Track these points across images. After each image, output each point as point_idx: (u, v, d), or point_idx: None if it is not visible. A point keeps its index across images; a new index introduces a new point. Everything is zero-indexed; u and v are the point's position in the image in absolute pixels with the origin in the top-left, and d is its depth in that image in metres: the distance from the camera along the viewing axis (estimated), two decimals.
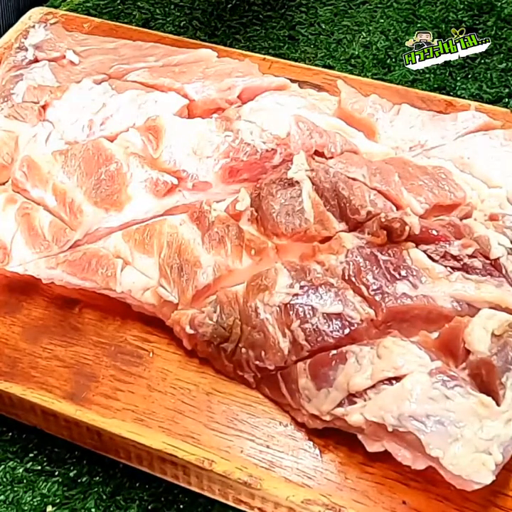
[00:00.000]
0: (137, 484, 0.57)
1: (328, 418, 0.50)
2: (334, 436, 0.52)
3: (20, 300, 0.60)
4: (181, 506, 0.56)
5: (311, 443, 0.52)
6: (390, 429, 0.47)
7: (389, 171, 0.60)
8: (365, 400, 0.48)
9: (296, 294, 0.53)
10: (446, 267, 0.54)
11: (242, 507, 0.53)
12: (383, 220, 0.55)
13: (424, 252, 0.55)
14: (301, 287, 0.53)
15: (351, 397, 0.49)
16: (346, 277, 0.54)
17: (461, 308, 0.52)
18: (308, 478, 0.51)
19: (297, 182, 0.59)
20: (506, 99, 0.83)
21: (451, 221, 0.57)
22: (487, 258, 0.55)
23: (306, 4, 0.94)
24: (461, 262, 0.54)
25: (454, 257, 0.54)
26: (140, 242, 0.58)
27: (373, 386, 0.49)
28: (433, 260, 0.55)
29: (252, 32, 0.92)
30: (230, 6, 0.94)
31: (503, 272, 0.54)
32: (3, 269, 0.59)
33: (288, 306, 0.52)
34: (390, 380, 0.48)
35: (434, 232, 0.55)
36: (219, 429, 0.53)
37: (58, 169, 0.61)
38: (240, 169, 0.61)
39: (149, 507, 0.56)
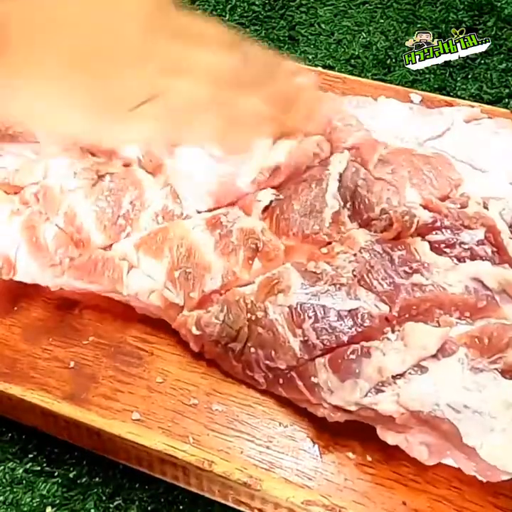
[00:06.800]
0: (137, 485, 0.57)
1: (353, 408, 0.49)
2: (334, 437, 0.52)
3: (20, 301, 0.60)
4: (181, 507, 0.57)
5: (311, 444, 0.52)
6: (425, 417, 0.47)
7: (396, 161, 0.60)
8: (393, 390, 0.48)
9: (307, 294, 0.53)
10: (454, 257, 0.54)
11: (241, 508, 0.53)
12: (392, 214, 0.55)
13: (433, 242, 0.55)
14: (312, 287, 0.53)
15: (378, 387, 0.49)
16: (358, 275, 0.54)
17: (473, 293, 0.52)
18: (309, 479, 0.51)
19: (326, 181, 0.59)
20: (506, 100, 0.83)
21: (455, 209, 0.57)
22: (493, 244, 0.55)
23: (306, 4, 0.94)
24: (470, 250, 0.54)
25: (463, 246, 0.54)
26: (149, 245, 0.57)
27: (403, 375, 0.49)
28: (441, 251, 0.55)
29: (252, 32, 0.91)
30: (230, 6, 0.94)
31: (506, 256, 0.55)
32: None
33: (299, 306, 0.52)
34: (420, 368, 0.49)
35: (441, 223, 0.55)
36: (219, 430, 0.53)
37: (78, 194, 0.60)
38: None
39: (149, 508, 0.56)
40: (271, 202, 0.59)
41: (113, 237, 0.59)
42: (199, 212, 0.60)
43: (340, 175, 0.59)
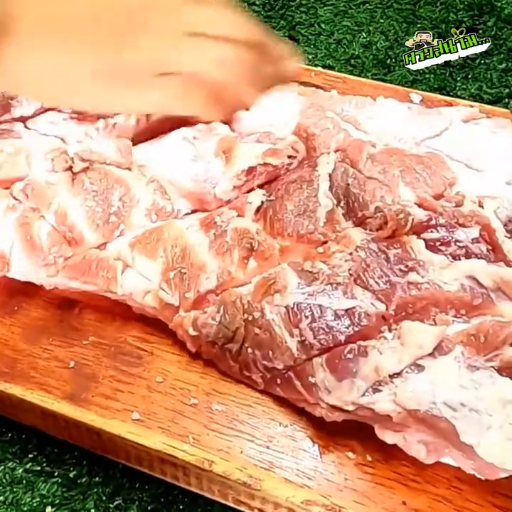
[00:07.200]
0: (137, 485, 0.57)
1: (351, 408, 0.49)
2: (334, 437, 0.52)
3: (20, 301, 0.60)
4: (181, 507, 0.57)
5: (311, 443, 0.52)
6: (422, 416, 0.47)
7: (387, 161, 0.60)
8: (390, 389, 0.48)
9: (304, 294, 0.53)
10: (450, 255, 0.54)
11: (241, 507, 0.53)
12: (386, 212, 0.55)
13: (428, 240, 0.55)
14: (309, 287, 0.53)
15: (375, 386, 0.49)
16: (354, 274, 0.54)
17: (468, 291, 0.52)
18: (308, 479, 0.50)
19: (316, 182, 0.59)
20: (506, 100, 0.83)
21: (450, 207, 0.57)
22: (488, 243, 0.55)
23: (306, 4, 0.94)
24: (465, 248, 0.54)
25: (458, 244, 0.54)
26: (144, 245, 0.57)
27: (399, 374, 0.49)
28: (437, 249, 0.55)
29: None
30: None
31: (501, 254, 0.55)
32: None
33: (296, 306, 0.52)
34: (417, 367, 0.49)
35: (436, 221, 0.55)
36: (219, 430, 0.53)
37: (63, 191, 0.59)
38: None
39: (149, 508, 0.56)
40: (262, 203, 0.60)
41: (106, 235, 0.58)
42: (191, 210, 0.61)
43: (330, 175, 0.59)
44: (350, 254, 0.55)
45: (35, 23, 0.45)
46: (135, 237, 0.58)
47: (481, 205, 0.56)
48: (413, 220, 0.55)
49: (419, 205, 0.56)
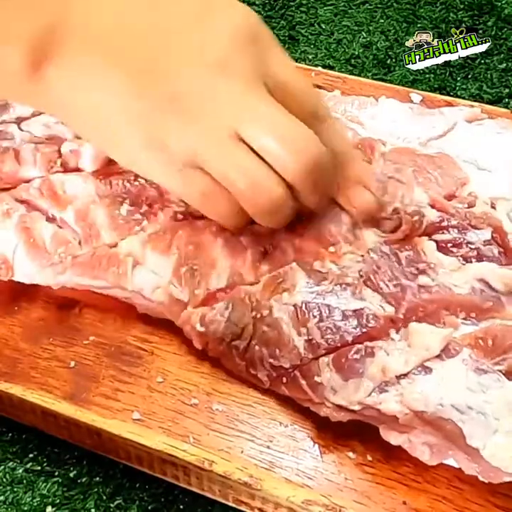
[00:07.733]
0: (137, 485, 0.57)
1: (357, 408, 0.49)
2: (334, 437, 0.52)
3: (20, 300, 0.60)
4: (181, 507, 0.56)
5: (312, 443, 0.52)
6: (428, 418, 0.47)
7: (400, 160, 0.59)
8: (397, 390, 0.48)
9: (313, 293, 0.52)
10: (461, 257, 0.54)
11: (242, 507, 0.53)
12: (402, 214, 0.55)
13: (440, 242, 0.55)
14: (317, 286, 0.53)
15: (382, 386, 0.49)
16: (364, 275, 0.53)
17: (479, 294, 0.52)
18: (309, 479, 0.51)
19: None
20: (506, 100, 0.83)
21: (462, 209, 0.57)
22: (500, 245, 0.55)
23: (306, 4, 0.94)
24: (477, 251, 0.54)
25: (469, 246, 0.54)
26: (157, 242, 0.57)
27: (407, 375, 0.48)
28: (448, 251, 0.54)
29: None
30: None
31: None
32: None
33: (304, 305, 0.52)
34: (424, 369, 0.48)
35: (448, 222, 0.55)
36: (219, 430, 0.53)
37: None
38: None
39: (149, 507, 0.56)
40: None
41: (123, 234, 0.58)
42: None
43: None
44: (362, 256, 0.54)
45: (81, 45, 0.42)
46: (148, 235, 0.57)
47: (493, 207, 0.56)
48: (427, 221, 0.55)
49: (432, 206, 0.56)
